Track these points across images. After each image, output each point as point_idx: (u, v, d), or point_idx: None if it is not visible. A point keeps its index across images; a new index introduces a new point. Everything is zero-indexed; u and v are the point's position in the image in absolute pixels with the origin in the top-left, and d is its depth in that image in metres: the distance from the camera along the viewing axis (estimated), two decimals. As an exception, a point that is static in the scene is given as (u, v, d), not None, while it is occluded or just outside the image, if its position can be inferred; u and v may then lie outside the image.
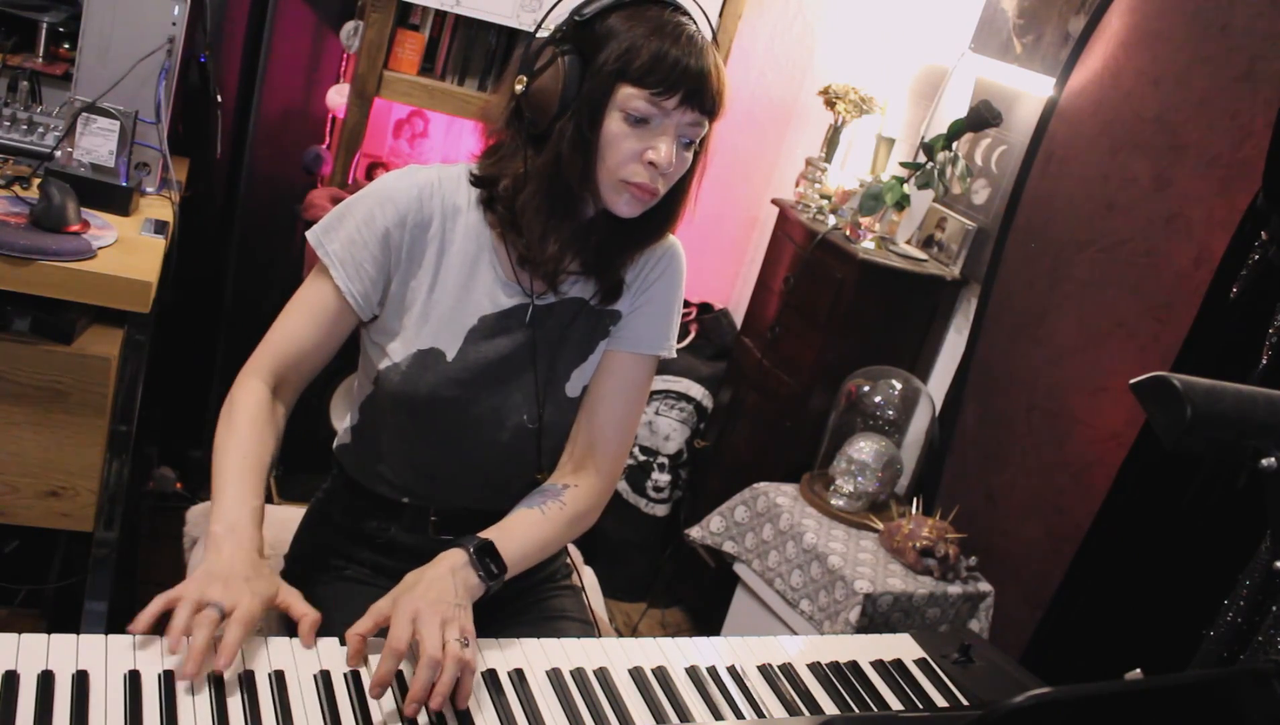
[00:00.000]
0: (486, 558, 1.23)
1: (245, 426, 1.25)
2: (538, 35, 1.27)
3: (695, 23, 1.26)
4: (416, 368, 1.31)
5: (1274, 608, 1.43)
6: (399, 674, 1.11)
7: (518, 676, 1.17)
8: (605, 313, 1.40)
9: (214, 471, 1.23)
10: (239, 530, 1.17)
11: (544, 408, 1.38)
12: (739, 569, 2.48)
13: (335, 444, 1.48)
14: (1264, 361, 1.79)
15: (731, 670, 1.28)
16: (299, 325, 1.31)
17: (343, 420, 1.58)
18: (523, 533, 1.32)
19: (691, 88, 1.21)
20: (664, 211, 1.32)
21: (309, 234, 1.32)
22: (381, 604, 1.16)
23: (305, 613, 1.15)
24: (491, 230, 1.33)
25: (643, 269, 1.41)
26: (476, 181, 1.33)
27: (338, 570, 1.44)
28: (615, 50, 1.20)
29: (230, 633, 1.05)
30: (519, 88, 1.26)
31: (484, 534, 1.27)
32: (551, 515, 1.35)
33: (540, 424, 1.38)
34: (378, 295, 1.32)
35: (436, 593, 1.16)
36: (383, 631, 1.14)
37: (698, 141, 1.27)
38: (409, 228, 1.30)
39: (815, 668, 1.33)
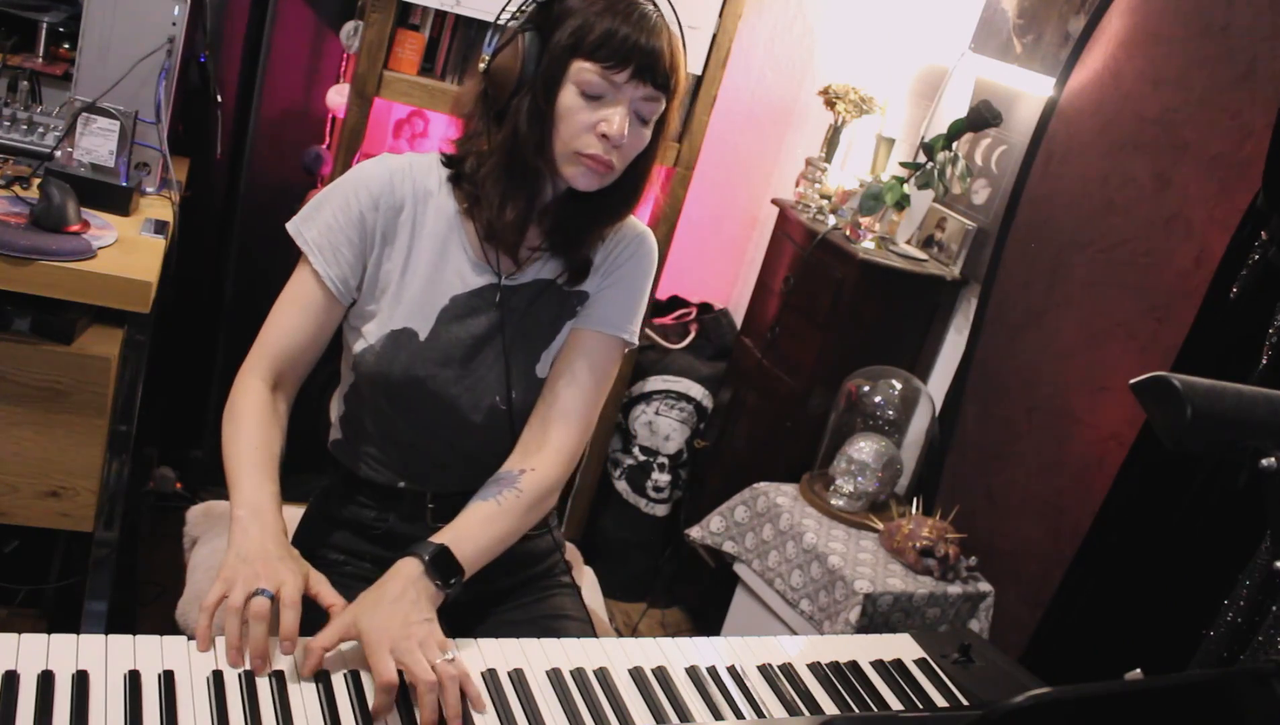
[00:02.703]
0: (442, 564, 1.22)
1: (250, 422, 1.28)
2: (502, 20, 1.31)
3: (654, 3, 1.29)
4: (390, 348, 1.34)
5: (1274, 608, 1.43)
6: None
7: (518, 676, 1.16)
8: (572, 293, 1.42)
9: (226, 467, 1.26)
10: (263, 512, 1.20)
11: (515, 388, 1.39)
12: (739, 569, 2.48)
13: (330, 441, 1.49)
14: (1264, 361, 1.79)
15: (731, 670, 1.28)
16: (289, 320, 1.34)
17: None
18: (478, 530, 1.29)
19: (642, 63, 1.24)
20: (623, 189, 1.35)
21: (289, 225, 1.35)
22: (345, 619, 1.14)
23: (334, 601, 1.17)
24: (460, 210, 1.36)
25: (612, 251, 1.43)
26: (447, 161, 1.37)
27: (338, 566, 1.44)
28: (570, 27, 1.25)
29: (285, 619, 1.08)
30: (482, 66, 1.30)
31: (438, 537, 1.25)
32: (508, 506, 1.32)
33: (511, 405, 1.39)
34: (356, 279, 1.34)
35: (401, 616, 1.14)
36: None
37: (655, 120, 1.30)
38: (382, 210, 1.33)
39: (815, 668, 1.33)
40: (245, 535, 1.17)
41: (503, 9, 1.31)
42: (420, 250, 1.35)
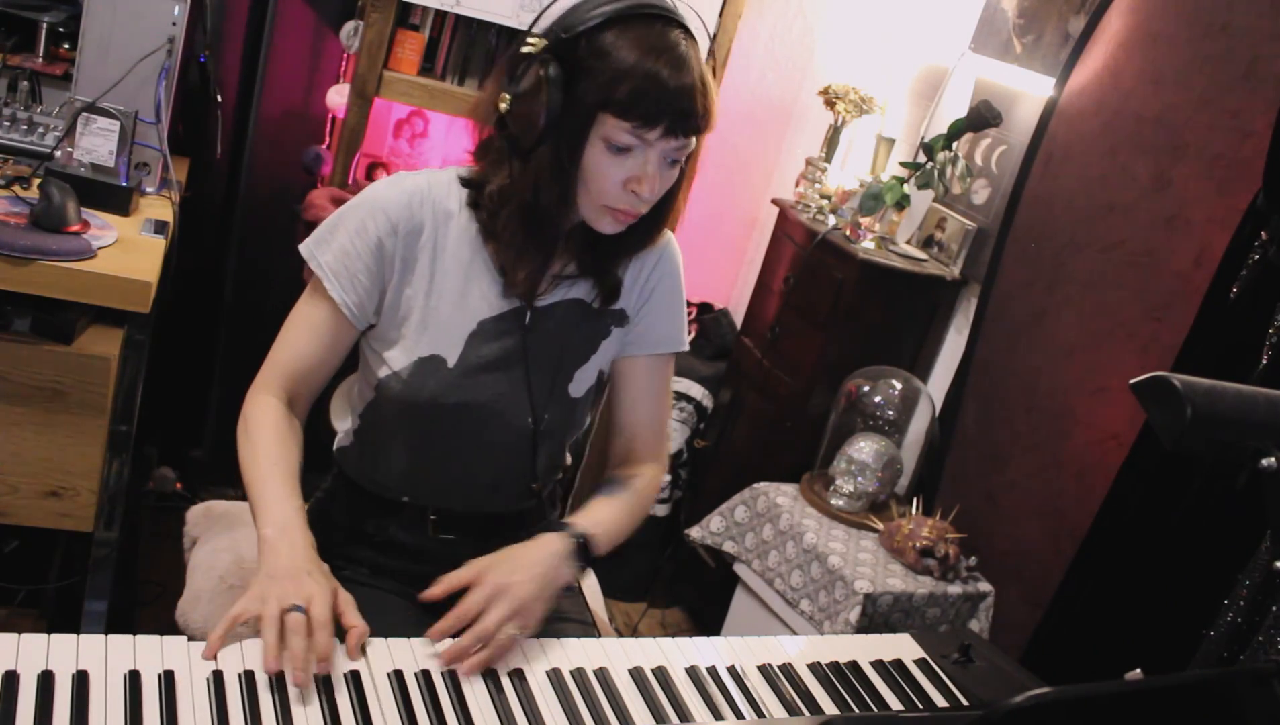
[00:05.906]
0: (585, 553, 1.30)
1: (269, 436, 1.26)
2: (525, 45, 1.23)
3: (691, 34, 1.22)
4: (418, 376, 1.31)
5: (1274, 608, 1.43)
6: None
7: (518, 676, 1.17)
8: (608, 312, 1.41)
9: (247, 483, 1.24)
10: (290, 529, 1.18)
11: (547, 409, 1.38)
12: (739, 569, 2.48)
13: (335, 446, 1.48)
14: (1264, 361, 1.79)
15: (731, 670, 1.28)
16: (301, 340, 1.32)
17: (342, 420, 1.58)
18: (611, 523, 1.38)
19: (676, 116, 1.18)
20: (652, 220, 1.31)
21: (302, 247, 1.32)
22: (482, 562, 1.23)
23: (355, 623, 1.15)
24: (483, 233, 1.33)
25: (642, 271, 1.42)
26: (466, 183, 1.33)
27: (336, 570, 1.43)
28: (599, 78, 1.17)
29: (319, 639, 1.08)
30: (503, 106, 1.24)
31: (583, 525, 1.33)
32: (631, 504, 1.42)
33: (541, 425, 1.38)
34: (373, 305, 1.32)
35: (525, 576, 1.22)
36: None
37: (684, 157, 1.26)
38: (401, 236, 1.29)
39: (815, 668, 1.33)
40: (275, 554, 1.15)
41: (528, 29, 1.23)
42: (444, 274, 1.32)
